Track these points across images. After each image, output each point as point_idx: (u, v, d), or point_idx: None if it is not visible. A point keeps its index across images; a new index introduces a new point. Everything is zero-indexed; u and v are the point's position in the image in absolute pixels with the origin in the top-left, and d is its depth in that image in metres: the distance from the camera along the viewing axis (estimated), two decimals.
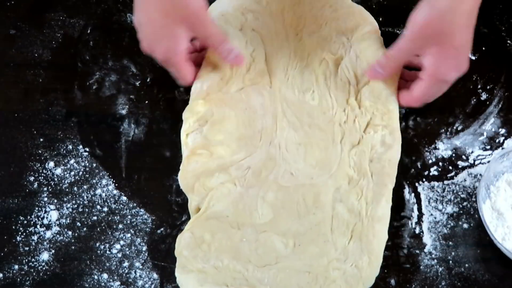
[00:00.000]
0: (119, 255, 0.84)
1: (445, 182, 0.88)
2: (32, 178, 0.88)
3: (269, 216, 0.82)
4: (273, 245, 0.80)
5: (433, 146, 0.90)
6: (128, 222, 0.86)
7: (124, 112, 0.92)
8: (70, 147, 0.90)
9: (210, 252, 0.80)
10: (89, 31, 0.97)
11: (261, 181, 0.83)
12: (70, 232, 0.85)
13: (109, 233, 0.85)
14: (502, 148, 0.89)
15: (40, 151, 0.90)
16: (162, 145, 0.90)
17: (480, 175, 0.87)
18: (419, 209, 0.86)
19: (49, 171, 0.89)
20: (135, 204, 0.87)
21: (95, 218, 0.86)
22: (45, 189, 0.87)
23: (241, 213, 0.82)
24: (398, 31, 0.96)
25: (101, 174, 0.88)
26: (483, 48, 0.96)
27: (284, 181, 0.83)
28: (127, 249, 0.84)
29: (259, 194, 0.83)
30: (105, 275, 0.83)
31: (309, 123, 0.86)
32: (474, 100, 0.93)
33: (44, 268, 0.83)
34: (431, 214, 0.86)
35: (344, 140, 0.85)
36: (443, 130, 0.91)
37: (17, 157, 0.89)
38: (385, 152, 0.83)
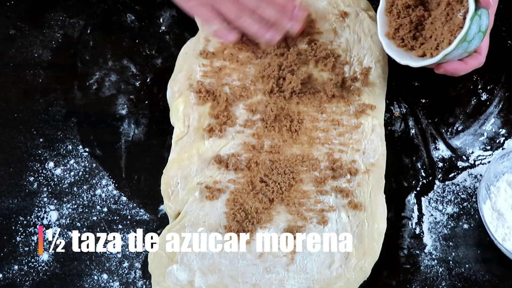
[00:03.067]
0: (119, 255, 0.84)
1: (446, 182, 0.87)
2: (32, 178, 0.88)
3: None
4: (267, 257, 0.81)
5: (433, 146, 0.90)
6: (128, 222, 0.86)
7: (124, 112, 0.92)
8: (70, 147, 0.90)
9: (184, 268, 0.80)
10: (89, 31, 0.97)
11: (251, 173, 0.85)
12: (70, 233, 0.85)
13: (109, 233, 0.85)
14: (503, 149, 0.89)
15: (40, 151, 0.90)
16: (162, 145, 0.90)
17: (481, 175, 0.87)
18: (419, 209, 0.86)
19: (49, 171, 0.88)
20: (135, 205, 0.87)
21: (95, 218, 0.86)
22: (45, 189, 0.87)
23: (221, 219, 0.82)
24: None
25: (101, 174, 0.88)
26: None
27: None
28: (126, 249, 0.84)
29: (247, 195, 0.83)
30: (104, 276, 0.83)
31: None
32: (475, 100, 0.93)
33: (44, 269, 0.83)
34: (431, 215, 0.86)
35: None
36: (443, 130, 0.91)
37: (17, 157, 0.89)
38: (376, 145, 0.86)
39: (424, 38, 0.85)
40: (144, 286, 0.82)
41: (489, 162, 0.88)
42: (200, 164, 0.85)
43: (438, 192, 0.87)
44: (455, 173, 0.88)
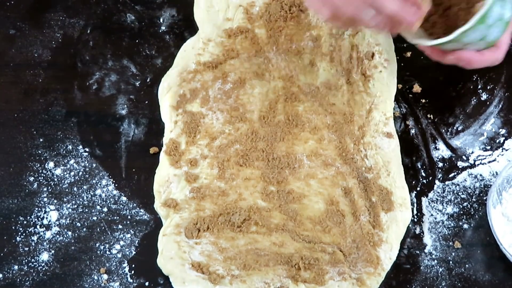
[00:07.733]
0: (119, 255, 0.84)
1: (446, 182, 0.88)
2: (31, 178, 0.88)
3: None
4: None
5: (433, 146, 0.90)
6: (128, 222, 0.86)
7: (124, 112, 0.92)
8: (70, 147, 0.90)
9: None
10: (89, 31, 0.97)
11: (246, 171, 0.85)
12: (69, 233, 0.85)
13: (109, 233, 0.85)
14: (503, 149, 0.89)
15: (40, 151, 0.90)
16: (162, 145, 0.90)
17: (481, 175, 0.87)
18: (419, 209, 0.86)
19: (48, 171, 0.88)
20: (135, 205, 0.87)
21: (95, 218, 0.86)
22: (45, 189, 0.87)
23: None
24: None
25: (101, 174, 0.88)
26: None
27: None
28: (127, 249, 0.84)
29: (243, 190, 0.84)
30: (104, 276, 0.83)
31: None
32: (475, 100, 0.93)
33: (44, 269, 0.83)
34: (431, 215, 0.86)
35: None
36: (443, 130, 0.91)
37: (17, 157, 0.89)
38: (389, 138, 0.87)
39: (442, 23, 0.81)
40: (143, 287, 0.83)
41: (489, 162, 0.88)
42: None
43: (438, 192, 0.87)
44: (455, 173, 0.88)
